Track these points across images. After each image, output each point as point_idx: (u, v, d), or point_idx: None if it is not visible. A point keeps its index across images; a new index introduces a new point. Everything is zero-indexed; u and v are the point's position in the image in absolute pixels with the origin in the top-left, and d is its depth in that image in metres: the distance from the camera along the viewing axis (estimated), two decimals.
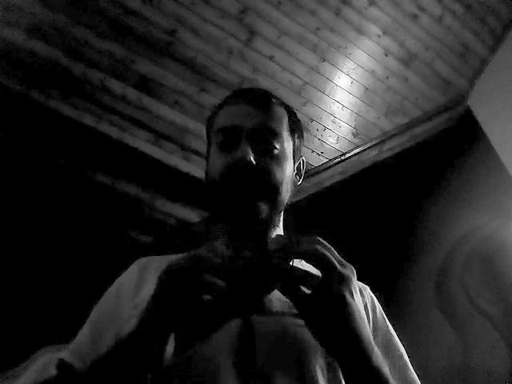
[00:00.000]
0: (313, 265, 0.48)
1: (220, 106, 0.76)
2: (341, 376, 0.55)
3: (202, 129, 2.17)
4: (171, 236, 2.39)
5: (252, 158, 0.63)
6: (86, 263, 2.24)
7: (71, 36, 1.88)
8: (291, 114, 0.76)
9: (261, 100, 0.72)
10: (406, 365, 0.65)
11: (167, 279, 0.47)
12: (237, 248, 0.51)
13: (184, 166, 2.23)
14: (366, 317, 0.54)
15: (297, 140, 0.76)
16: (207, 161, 0.75)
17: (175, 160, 2.22)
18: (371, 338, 0.48)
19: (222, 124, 0.71)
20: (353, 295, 0.47)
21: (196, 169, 2.23)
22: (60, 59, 1.91)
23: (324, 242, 0.49)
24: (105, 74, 1.98)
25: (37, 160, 2.07)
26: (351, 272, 0.49)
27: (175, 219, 2.36)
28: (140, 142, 2.14)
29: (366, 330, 0.47)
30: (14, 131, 2.01)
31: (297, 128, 0.76)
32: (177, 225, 2.38)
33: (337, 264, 0.47)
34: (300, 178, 0.78)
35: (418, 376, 0.65)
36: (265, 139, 0.68)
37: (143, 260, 0.73)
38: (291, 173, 0.72)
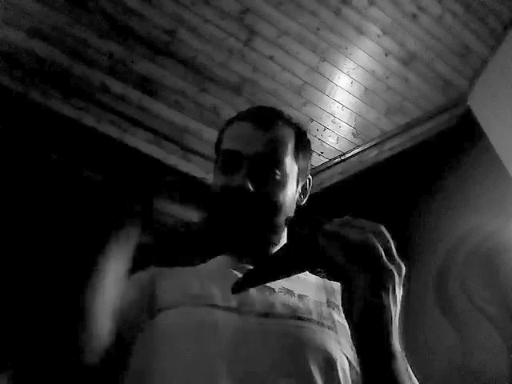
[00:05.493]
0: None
1: (230, 122, 0.76)
2: (339, 376, 0.55)
3: (202, 129, 2.18)
4: (171, 236, 2.39)
5: (250, 186, 0.65)
6: (87, 263, 2.24)
7: (71, 36, 1.88)
8: (299, 133, 0.75)
9: (266, 123, 0.71)
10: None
11: None
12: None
13: (184, 166, 2.23)
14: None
15: (302, 162, 0.74)
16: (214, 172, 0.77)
17: (175, 160, 2.22)
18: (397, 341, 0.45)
19: (226, 146, 0.72)
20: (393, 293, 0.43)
21: (196, 169, 2.23)
22: (60, 59, 1.91)
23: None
24: (105, 74, 1.98)
25: (37, 160, 2.07)
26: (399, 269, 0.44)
27: (175, 219, 2.36)
28: (140, 142, 2.14)
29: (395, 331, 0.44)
30: (14, 131, 2.01)
31: (304, 148, 0.75)
32: (177, 225, 2.38)
33: (383, 254, 0.42)
34: (305, 197, 0.78)
35: (418, 376, 0.65)
36: (265, 166, 0.68)
37: (154, 269, 0.74)
38: (293, 195, 0.72)
